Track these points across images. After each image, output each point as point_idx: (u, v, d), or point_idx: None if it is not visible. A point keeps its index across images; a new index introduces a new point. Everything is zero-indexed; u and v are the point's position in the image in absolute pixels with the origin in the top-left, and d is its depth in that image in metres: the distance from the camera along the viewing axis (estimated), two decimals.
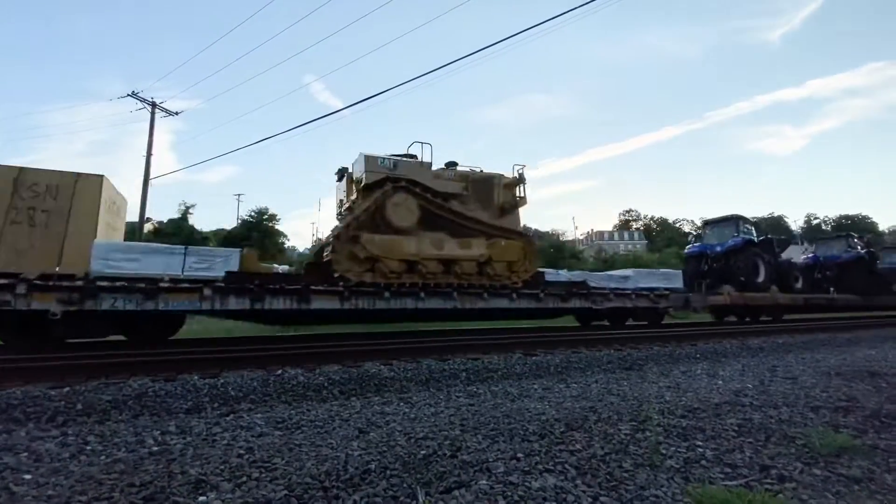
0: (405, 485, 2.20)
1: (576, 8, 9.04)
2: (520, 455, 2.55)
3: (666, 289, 11.56)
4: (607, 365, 6.36)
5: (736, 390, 4.37)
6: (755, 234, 15.49)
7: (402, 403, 4.03)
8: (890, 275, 18.85)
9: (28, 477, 2.36)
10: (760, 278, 14.18)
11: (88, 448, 2.85)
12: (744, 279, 13.68)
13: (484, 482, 2.20)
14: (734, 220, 15.25)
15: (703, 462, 2.51)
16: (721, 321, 14.77)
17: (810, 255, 19.39)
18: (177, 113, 24.63)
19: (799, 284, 15.72)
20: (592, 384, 4.89)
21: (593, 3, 9.63)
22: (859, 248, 18.39)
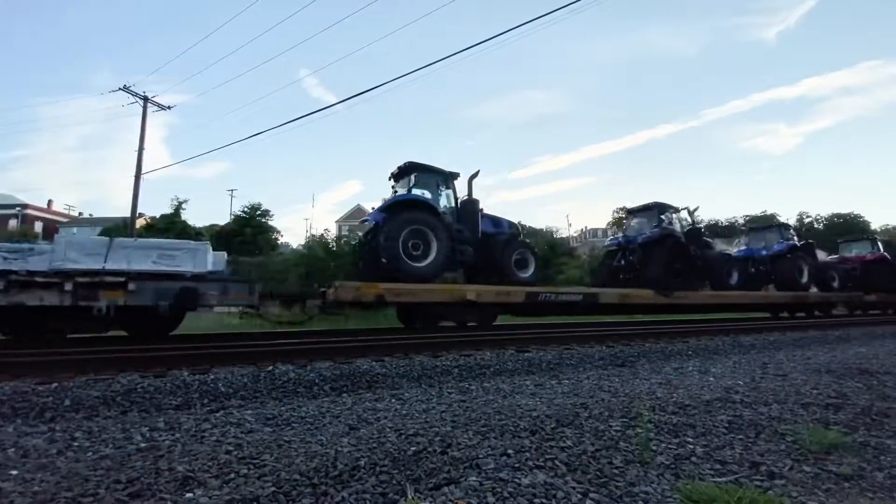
0: (394, 481, 2.19)
1: (569, 4, 9.01)
2: (510, 451, 2.55)
3: (153, 273, 6.74)
4: (599, 361, 6.38)
5: (727, 387, 4.39)
6: (442, 195, 10.07)
7: (393, 400, 4.02)
8: (722, 263, 13.93)
9: (14, 472, 2.33)
10: (426, 261, 8.84)
11: (76, 444, 2.82)
12: (386, 261, 8.50)
13: (473, 479, 2.20)
14: (408, 171, 9.81)
15: (694, 458, 2.51)
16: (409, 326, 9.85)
17: (614, 238, 14.44)
18: (169, 107, 24.49)
19: (528, 273, 10.18)
20: (584, 381, 4.90)
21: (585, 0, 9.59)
22: (676, 223, 13.04)
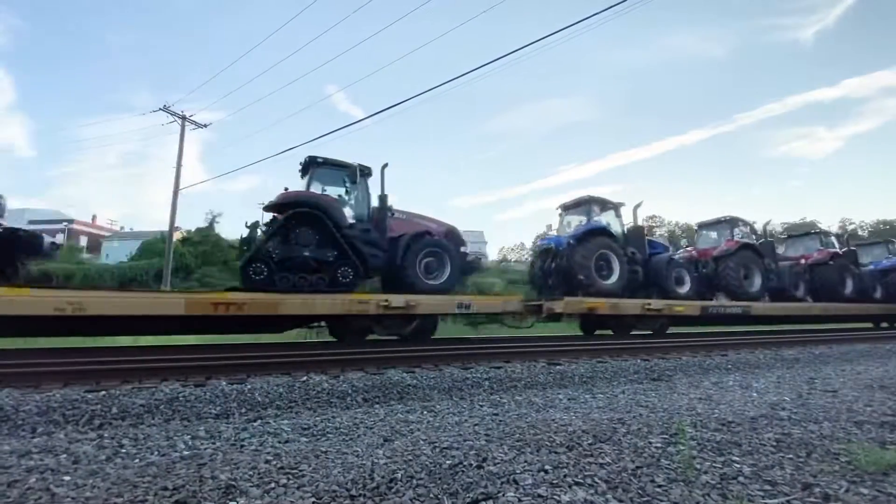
0: (432, 495, 2.18)
1: (601, 12, 8.98)
2: (548, 467, 2.50)
3: None
4: (634, 375, 6.22)
5: (772, 403, 4.21)
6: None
7: (425, 412, 4.02)
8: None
9: (67, 478, 2.43)
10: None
11: (123, 451, 2.93)
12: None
13: (512, 494, 2.17)
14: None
15: (741, 478, 2.41)
16: None
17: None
18: (205, 125, 25.48)
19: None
20: (619, 395, 4.78)
21: (615, 7, 9.54)
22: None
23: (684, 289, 11.51)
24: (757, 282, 12.47)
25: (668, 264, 11.49)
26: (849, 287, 14.09)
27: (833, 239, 15.57)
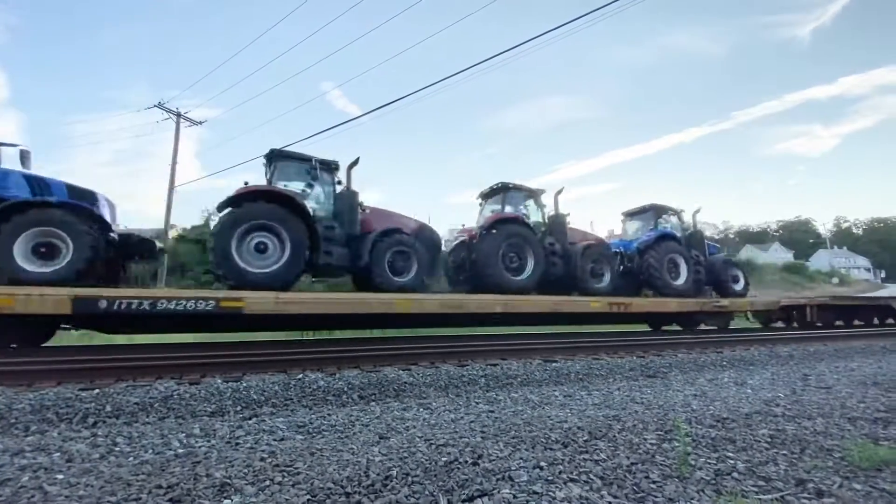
0: (427, 492, 2.18)
1: (598, 9, 8.98)
2: (543, 464, 2.51)
3: None
4: (629, 372, 6.24)
5: (766, 399, 4.23)
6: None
7: (421, 409, 4.02)
8: None
9: (60, 477, 2.42)
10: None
11: (117, 449, 2.92)
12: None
13: (507, 491, 2.17)
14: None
15: (735, 474, 2.42)
16: None
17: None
18: (200, 122, 25.31)
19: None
20: (615, 392, 4.80)
21: (612, 5, 9.55)
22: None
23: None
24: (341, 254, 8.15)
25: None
26: (529, 268, 9.40)
27: (531, 201, 10.69)
